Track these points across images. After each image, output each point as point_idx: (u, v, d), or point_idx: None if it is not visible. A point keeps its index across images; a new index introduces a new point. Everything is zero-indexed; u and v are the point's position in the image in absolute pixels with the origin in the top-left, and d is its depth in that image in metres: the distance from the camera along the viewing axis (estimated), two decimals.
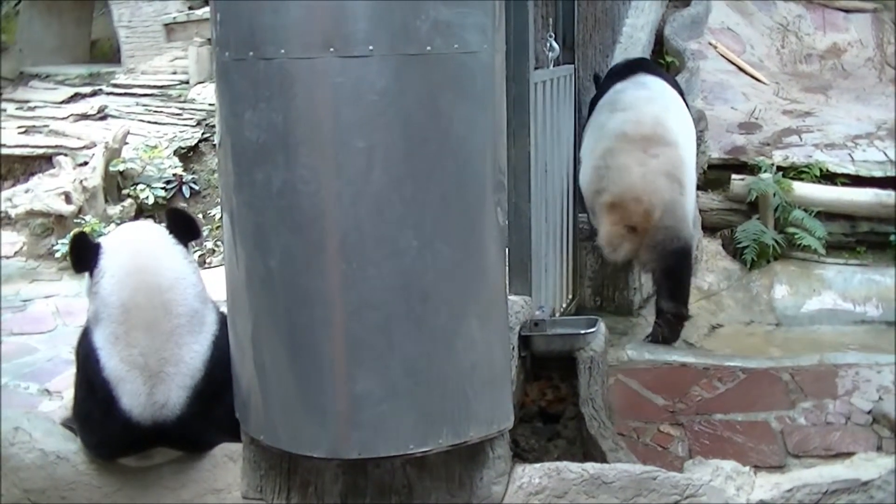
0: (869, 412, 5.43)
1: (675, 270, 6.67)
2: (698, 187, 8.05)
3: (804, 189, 8.34)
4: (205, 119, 10.47)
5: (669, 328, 6.57)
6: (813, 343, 7.04)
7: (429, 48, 3.11)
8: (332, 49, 3.07)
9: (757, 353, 6.76)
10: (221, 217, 3.63)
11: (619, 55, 8.83)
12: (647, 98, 6.81)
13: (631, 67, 7.25)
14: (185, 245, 4.04)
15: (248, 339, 3.46)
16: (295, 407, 3.35)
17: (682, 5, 11.37)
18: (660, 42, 10.42)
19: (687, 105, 7.15)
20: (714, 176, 8.63)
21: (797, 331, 7.54)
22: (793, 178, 8.40)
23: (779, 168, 8.48)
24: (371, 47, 3.07)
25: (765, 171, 8.33)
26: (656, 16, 10.64)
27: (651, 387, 5.71)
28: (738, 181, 8.35)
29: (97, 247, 3.96)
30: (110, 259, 3.89)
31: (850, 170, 8.53)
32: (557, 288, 5.98)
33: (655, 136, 6.52)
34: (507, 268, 3.59)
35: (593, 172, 6.59)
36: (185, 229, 4.06)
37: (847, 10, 12.13)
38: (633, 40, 9.53)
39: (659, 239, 6.49)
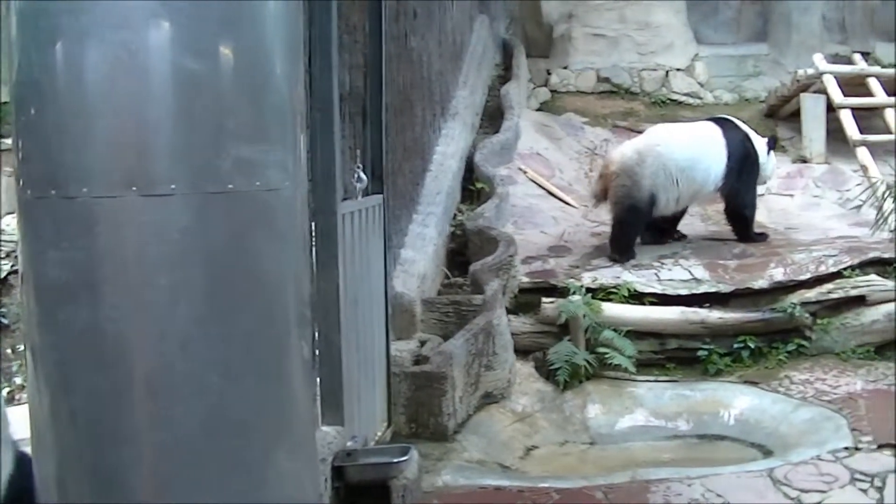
0: None
1: (622, 222, 9.50)
2: (508, 311, 8.26)
3: (613, 309, 8.59)
4: (14, 251, 10.24)
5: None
6: (626, 460, 7.20)
7: (230, 186, 3.12)
8: (134, 188, 3.06)
9: (571, 472, 6.88)
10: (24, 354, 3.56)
11: (431, 183, 9.08)
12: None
13: None
14: None
15: (54, 480, 3.35)
16: None
17: (492, 132, 11.71)
18: (470, 168, 10.69)
19: None
20: (525, 299, 8.84)
21: (611, 449, 7.70)
22: (602, 299, 8.65)
23: (588, 290, 8.72)
24: (173, 186, 3.06)
25: (574, 294, 8.54)
26: (466, 143, 10.97)
27: None
28: (548, 304, 8.56)
29: None
30: None
31: (657, 289, 8.84)
32: (371, 417, 5.98)
33: (647, 133, 9.99)
34: (317, 399, 3.61)
35: None
36: None
37: None
38: (444, 168, 9.76)
39: (618, 195, 9.49)
